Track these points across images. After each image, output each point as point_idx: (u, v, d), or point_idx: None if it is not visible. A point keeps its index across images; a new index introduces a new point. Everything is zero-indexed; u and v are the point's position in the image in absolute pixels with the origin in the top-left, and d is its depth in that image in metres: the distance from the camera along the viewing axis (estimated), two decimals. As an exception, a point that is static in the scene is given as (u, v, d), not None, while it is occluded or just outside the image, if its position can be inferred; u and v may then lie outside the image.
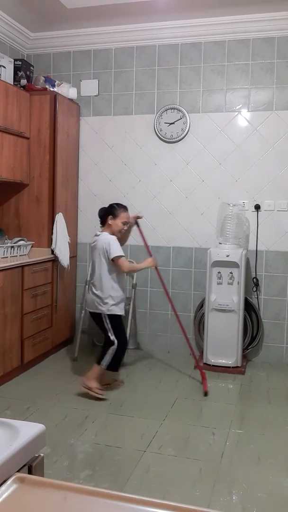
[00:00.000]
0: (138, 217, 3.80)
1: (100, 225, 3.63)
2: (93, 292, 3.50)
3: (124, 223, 3.53)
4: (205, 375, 3.81)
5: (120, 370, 3.69)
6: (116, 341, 3.44)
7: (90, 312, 3.59)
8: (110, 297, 3.44)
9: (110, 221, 3.51)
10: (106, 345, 3.48)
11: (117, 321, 3.51)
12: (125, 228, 3.57)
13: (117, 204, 3.58)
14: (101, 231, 3.55)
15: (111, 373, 3.61)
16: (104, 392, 3.47)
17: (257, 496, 2.33)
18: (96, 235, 3.54)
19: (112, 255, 3.39)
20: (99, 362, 3.46)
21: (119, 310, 3.50)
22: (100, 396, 3.43)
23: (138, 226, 3.81)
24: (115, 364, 3.49)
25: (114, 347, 3.43)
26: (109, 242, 3.41)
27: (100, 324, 3.51)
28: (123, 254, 3.44)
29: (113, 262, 3.42)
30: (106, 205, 3.61)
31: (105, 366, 3.44)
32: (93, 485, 0.93)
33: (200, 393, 3.73)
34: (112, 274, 3.46)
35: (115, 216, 3.50)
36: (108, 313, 3.45)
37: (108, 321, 3.46)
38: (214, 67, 4.36)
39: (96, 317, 3.52)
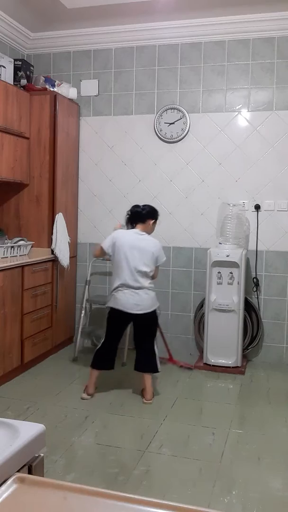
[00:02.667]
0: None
1: (128, 223, 3.49)
2: (145, 292, 3.38)
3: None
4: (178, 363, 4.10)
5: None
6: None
7: (141, 314, 3.38)
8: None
9: (152, 225, 3.50)
10: (150, 348, 3.47)
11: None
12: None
13: (157, 210, 3.58)
14: (141, 231, 3.42)
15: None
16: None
17: (257, 496, 2.33)
18: (140, 234, 3.39)
19: (161, 260, 3.44)
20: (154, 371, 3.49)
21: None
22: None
23: None
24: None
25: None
26: (160, 247, 3.42)
27: (153, 326, 3.49)
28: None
29: (156, 267, 3.44)
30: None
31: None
32: (93, 485, 0.93)
33: (200, 393, 3.73)
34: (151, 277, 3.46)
35: (156, 221, 3.52)
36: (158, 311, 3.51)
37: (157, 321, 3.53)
38: (214, 67, 4.36)
39: (150, 317, 3.44)
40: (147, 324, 3.45)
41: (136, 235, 3.40)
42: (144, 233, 3.42)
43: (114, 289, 3.40)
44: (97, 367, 3.49)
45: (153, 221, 3.48)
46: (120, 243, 3.36)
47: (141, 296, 3.36)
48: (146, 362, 3.46)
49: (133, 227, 3.46)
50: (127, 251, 3.33)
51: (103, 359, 3.49)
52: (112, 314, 3.44)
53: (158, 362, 3.46)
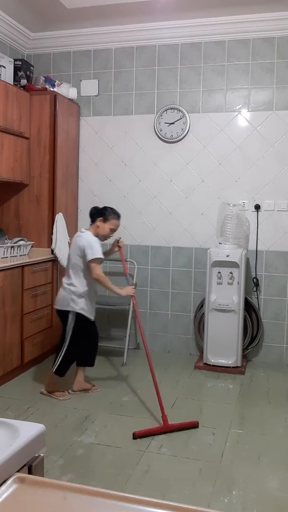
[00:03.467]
0: (120, 243, 3.66)
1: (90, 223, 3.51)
2: (62, 289, 3.41)
3: (112, 230, 3.44)
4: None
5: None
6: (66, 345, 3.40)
7: (56, 310, 3.47)
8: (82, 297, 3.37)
9: (98, 223, 3.40)
10: (59, 346, 3.44)
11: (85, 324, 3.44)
12: (111, 235, 3.48)
13: (112, 209, 3.48)
14: (86, 229, 3.43)
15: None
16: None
17: (257, 496, 2.33)
18: (81, 232, 3.42)
19: (90, 256, 3.26)
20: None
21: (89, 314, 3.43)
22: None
23: (120, 248, 3.66)
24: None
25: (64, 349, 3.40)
26: (89, 243, 3.30)
27: (63, 325, 3.41)
28: (101, 257, 3.32)
29: (88, 264, 3.29)
30: (107, 205, 3.59)
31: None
32: (93, 485, 0.93)
33: (200, 393, 3.73)
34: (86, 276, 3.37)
35: (105, 220, 3.40)
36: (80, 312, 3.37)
37: (73, 320, 3.37)
38: (214, 67, 4.36)
39: (60, 316, 3.44)
40: (61, 321, 3.44)
41: (78, 233, 3.48)
42: (85, 231, 3.41)
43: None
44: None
45: (100, 219, 3.39)
46: None
47: (59, 292, 3.48)
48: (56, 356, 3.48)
49: None
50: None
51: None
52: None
53: (56, 364, 3.40)
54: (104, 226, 3.40)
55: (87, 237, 3.35)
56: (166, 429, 2.98)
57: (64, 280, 3.44)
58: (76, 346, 3.42)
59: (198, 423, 3.05)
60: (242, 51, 4.28)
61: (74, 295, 3.35)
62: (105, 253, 3.52)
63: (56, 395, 3.46)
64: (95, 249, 3.29)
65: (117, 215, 3.48)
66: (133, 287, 3.50)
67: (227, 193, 4.37)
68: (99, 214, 3.43)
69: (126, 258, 4.56)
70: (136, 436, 2.87)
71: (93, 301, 3.47)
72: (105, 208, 3.48)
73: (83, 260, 3.32)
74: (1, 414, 3.10)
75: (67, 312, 3.37)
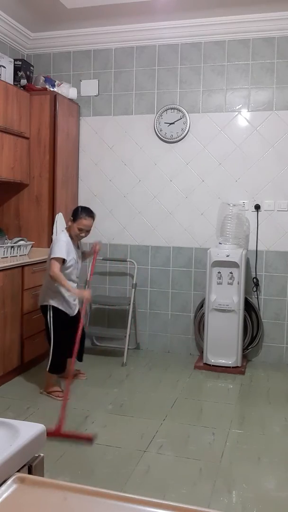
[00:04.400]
0: (96, 248, 3.64)
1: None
2: (44, 285, 3.50)
3: (81, 230, 3.40)
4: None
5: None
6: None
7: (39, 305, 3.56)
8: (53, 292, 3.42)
9: (69, 223, 3.46)
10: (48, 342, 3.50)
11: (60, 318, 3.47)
12: (82, 235, 3.44)
13: (83, 208, 3.47)
14: (66, 228, 3.54)
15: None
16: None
17: (257, 496, 2.33)
18: (62, 230, 3.53)
19: (51, 254, 3.30)
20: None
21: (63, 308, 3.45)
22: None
23: (94, 253, 3.63)
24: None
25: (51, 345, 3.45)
26: (57, 241, 3.35)
27: (44, 319, 3.49)
28: (62, 257, 3.30)
29: (49, 261, 3.32)
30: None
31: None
32: (93, 485, 0.93)
33: (200, 393, 3.73)
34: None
35: (74, 220, 3.42)
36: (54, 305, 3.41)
37: (51, 315, 3.42)
38: (214, 67, 4.36)
39: (41, 310, 3.53)
40: (44, 317, 3.52)
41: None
42: (64, 229, 3.53)
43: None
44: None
45: (71, 219, 3.45)
46: None
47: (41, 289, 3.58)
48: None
49: None
50: None
51: None
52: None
53: (49, 362, 3.46)
54: (73, 226, 3.42)
55: (59, 236, 3.43)
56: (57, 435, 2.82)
57: (44, 277, 3.54)
58: (61, 340, 3.43)
59: (92, 438, 2.82)
60: (242, 51, 4.28)
61: (50, 290, 3.42)
62: (84, 255, 3.66)
63: (54, 395, 3.46)
64: (58, 248, 3.30)
65: (86, 214, 3.42)
66: (89, 291, 3.48)
67: (227, 193, 4.37)
68: (72, 214, 3.48)
69: (126, 258, 4.57)
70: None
71: (72, 297, 3.45)
72: (76, 208, 3.52)
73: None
74: (1, 414, 3.10)
75: (45, 306, 3.45)
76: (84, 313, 3.49)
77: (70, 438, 2.82)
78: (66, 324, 3.46)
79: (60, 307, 3.41)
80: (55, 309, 3.41)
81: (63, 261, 3.32)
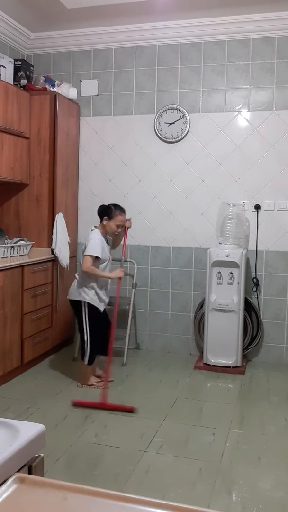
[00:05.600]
0: (127, 224, 3.75)
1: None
2: (77, 282, 3.60)
3: (118, 226, 3.58)
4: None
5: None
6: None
7: (70, 300, 3.67)
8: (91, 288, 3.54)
9: (104, 222, 3.58)
10: (81, 337, 3.62)
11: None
12: (119, 230, 3.62)
13: (115, 206, 3.62)
14: (96, 227, 3.61)
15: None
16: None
17: (257, 496, 2.33)
18: (91, 229, 3.60)
19: (85, 252, 3.45)
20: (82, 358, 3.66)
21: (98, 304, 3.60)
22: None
23: (125, 229, 3.74)
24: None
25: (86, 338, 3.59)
26: (91, 239, 3.49)
27: (77, 314, 3.61)
28: (95, 255, 3.43)
29: (83, 257, 3.48)
30: (107, 204, 3.65)
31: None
32: (93, 485, 0.93)
33: (200, 393, 3.73)
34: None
35: (110, 218, 3.56)
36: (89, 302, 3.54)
37: (87, 311, 3.55)
38: (214, 67, 4.36)
39: (74, 305, 3.63)
40: (74, 312, 3.68)
41: (88, 230, 3.65)
42: (95, 228, 3.60)
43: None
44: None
45: (106, 218, 3.56)
46: None
47: (72, 283, 3.68)
48: (81, 348, 3.67)
49: None
50: None
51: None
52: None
53: (86, 354, 3.59)
54: (110, 224, 3.57)
55: (92, 234, 3.54)
56: (103, 407, 3.26)
57: (76, 274, 3.68)
58: (96, 335, 3.60)
59: (134, 409, 3.23)
60: (242, 51, 4.28)
61: (84, 286, 3.53)
62: (115, 240, 3.76)
63: (97, 385, 3.63)
64: (92, 246, 3.46)
65: (120, 210, 3.61)
66: (122, 269, 3.64)
67: (227, 193, 4.37)
68: (104, 213, 3.58)
69: (126, 258, 4.56)
70: (74, 404, 3.27)
71: (104, 294, 3.62)
72: (108, 206, 3.62)
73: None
74: (1, 414, 3.10)
75: (80, 302, 3.55)
76: (118, 295, 3.70)
77: (115, 409, 3.23)
78: (98, 318, 3.63)
79: (92, 303, 3.55)
80: (89, 305, 3.54)
81: (96, 258, 3.46)
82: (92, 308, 3.56)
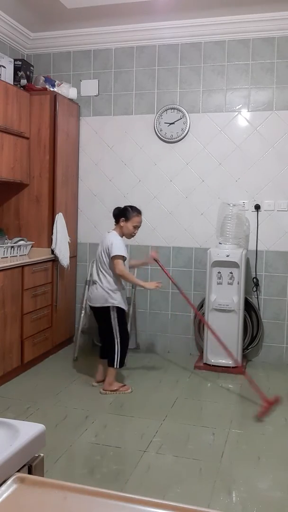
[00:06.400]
0: (155, 257, 3.85)
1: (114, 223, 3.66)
2: (95, 287, 3.57)
3: (135, 227, 3.60)
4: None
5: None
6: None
7: (95, 307, 3.62)
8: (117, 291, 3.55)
9: (122, 223, 3.58)
10: (110, 342, 3.56)
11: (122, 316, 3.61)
12: (136, 232, 3.64)
13: (132, 207, 3.63)
14: (113, 229, 3.62)
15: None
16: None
17: (257, 496, 2.33)
18: (108, 232, 3.62)
19: (113, 253, 3.45)
20: (109, 364, 3.60)
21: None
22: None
23: (157, 261, 3.87)
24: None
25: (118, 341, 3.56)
26: (112, 241, 3.49)
27: (106, 320, 3.55)
28: (125, 256, 3.49)
29: (111, 260, 3.48)
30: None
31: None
32: (93, 485, 0.93)
33: (200, 393, 3.73)
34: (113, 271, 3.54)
35: (127, 219, 3.57)
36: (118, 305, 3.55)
37: (116, 314, 3.53)
38: (214, 67, 4.36)
39: (102, 312, 3.57)
40: (101, 318, 3.63)
41: (105, 233, 3.66)
42: (111, 231, 3.61)
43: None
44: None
45: (123, 219, 3.57)
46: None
47: (93, 290, 3.61)
48: (107, 353, 3.63)
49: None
50: (97, 249, 3.67)
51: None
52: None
53: (116, 358, 3.55)
54: (127, 225, 3.58)
55: (112, 236, 3.56)
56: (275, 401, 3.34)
57: (97, 279, 3.60)
58: (126, 335, 3.63)
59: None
60: (242, 51, 4.28)
61: (110, 291, 3.53)
62: (138, 263, 3.95)
63: (122, 390, 3.61)
64: (118, 247, 3.48)
65: (137, 212, 3.63)
66: (160, 283, 3.69)
67: (227, 193, 4.37)
68: (121, 215, 3.59)
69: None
70: (260, 418, 3.20)
71: (124, 294, 3.65)
72: (125, 208, 3.63)
73: (110, 258, 3.50)
74: (1, 414, 3.10)
75: (107, 308, 3.54)
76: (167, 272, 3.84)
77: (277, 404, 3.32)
78: (125, 319, 3.65)
79: (120, 306, 3.55)
80: (118, 309, 3.55)
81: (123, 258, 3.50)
82: (120, 311, 3.56)
